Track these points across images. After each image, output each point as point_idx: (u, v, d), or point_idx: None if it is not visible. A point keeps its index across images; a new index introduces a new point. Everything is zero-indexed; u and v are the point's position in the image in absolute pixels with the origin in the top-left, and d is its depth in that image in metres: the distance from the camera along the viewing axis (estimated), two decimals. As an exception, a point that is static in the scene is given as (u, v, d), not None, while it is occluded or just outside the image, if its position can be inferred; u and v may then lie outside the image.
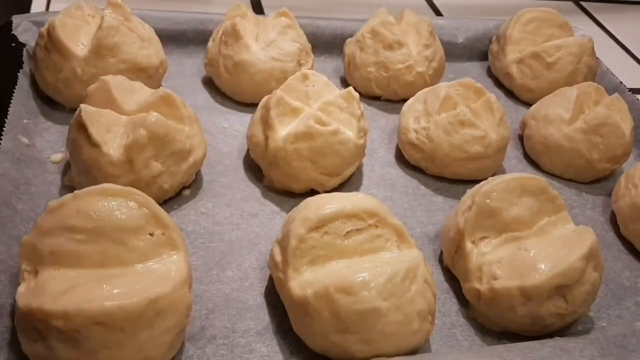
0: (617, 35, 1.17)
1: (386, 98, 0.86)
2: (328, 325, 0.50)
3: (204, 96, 0.82)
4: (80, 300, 0.45)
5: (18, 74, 0.74)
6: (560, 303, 0.54)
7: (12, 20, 0.79)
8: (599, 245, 0.57)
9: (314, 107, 0.68)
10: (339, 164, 0.67)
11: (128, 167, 0.60)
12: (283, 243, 0.54)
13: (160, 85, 0.79)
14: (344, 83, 0.88)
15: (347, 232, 0.53)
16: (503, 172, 0.76)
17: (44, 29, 0.72)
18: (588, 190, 0.77)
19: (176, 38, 0.87)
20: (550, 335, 0.56)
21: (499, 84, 0.94)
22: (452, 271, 0.61)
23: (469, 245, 0.58)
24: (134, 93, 0.65)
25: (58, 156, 0.68)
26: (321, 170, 0.66)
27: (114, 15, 0.74)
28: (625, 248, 0.69)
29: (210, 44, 0.82)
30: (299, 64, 0.80)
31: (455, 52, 0.97)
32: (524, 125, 0.82)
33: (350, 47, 0.86)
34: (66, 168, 0.66)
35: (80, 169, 0.61)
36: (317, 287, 0.50)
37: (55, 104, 0.74)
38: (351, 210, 0.53)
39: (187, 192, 0.67)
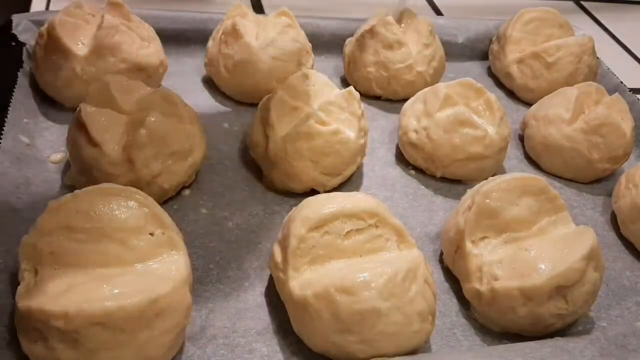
0: (618, 35, 1.17)
1: (386, 98, 0.86)
2: (328, 325, 0.50)
3: (204, 96, 0.82)
4: (81, 300, 0.45)
5: (18, 73, 0.74)
6: (561, 303, 0.54)
7: (12, 20, 0.79)
8: (599, 246, 0.57)
9: (315, 107, 0.68)
10: (339, 164, 0.67)
11: (128, 167, 0.60)
12: (283, 243, 0.53)
13: (160, 85, 0.79)
14: (344, 83, 0.88)
15: (347, 232, 0.53)
16: (503, 172, 0.76)
17: (43, 28, 0.72)
18: (588, 190, 0.77)
19: (176, 37, 0.87)
20: (550, 335, 0.56)
21: (499, 83, 0.94)
22: (453, 271, 0.61)
23: (469, 245, 0.58)
24: (133, 92, 0.64)
25: (58, 156, 0.67)
26: (321, 170, 0.66)
27: (114, 15, 0.74)
28: (626, 248, 0.69)
29: (210, 43, 0.82)
30: (300, 64, 0.80)
31: (455, 51, 0.97)
32: (524, 125, 0.82)
33: (350, 46, 0.86)
34: (66, 167, 0.66)
35: (80, 169, 0.61)
36: (317, 287, 0.50)
37: (55, 104, 0.74)
38: (351, 210, 0.53)
39: (187, 192, 0.67)
